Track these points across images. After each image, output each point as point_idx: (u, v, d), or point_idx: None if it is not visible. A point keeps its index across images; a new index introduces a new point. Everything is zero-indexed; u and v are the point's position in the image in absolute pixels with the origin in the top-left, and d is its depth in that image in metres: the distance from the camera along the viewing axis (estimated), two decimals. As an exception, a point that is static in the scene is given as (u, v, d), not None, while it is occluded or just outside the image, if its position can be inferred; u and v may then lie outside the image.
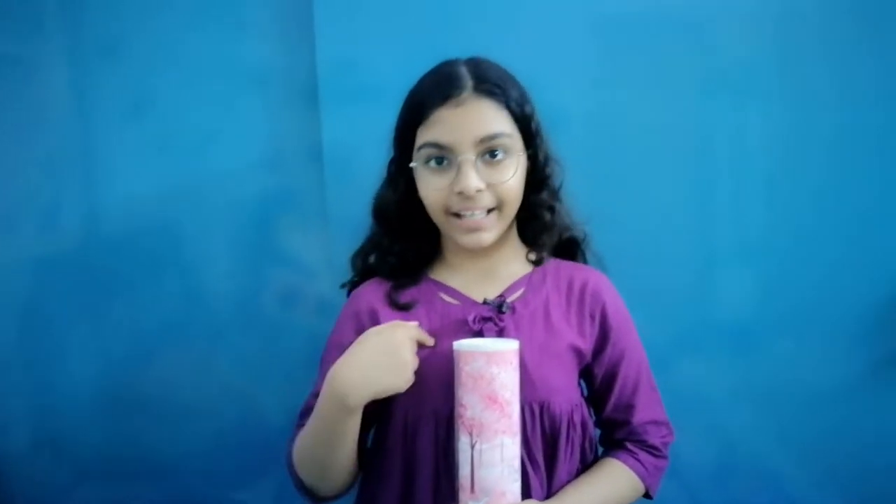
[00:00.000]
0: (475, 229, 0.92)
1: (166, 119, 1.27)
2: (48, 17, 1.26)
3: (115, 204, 1.28)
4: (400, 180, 0.98)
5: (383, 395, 0.86)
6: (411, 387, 0.88)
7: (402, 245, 0.99)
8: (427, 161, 0.92)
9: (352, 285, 1.05)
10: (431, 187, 0.92)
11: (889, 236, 1.20)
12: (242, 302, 1.29)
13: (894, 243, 1.20)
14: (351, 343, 0.88)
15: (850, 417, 1.22)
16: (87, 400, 1.30)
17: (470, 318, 0.93)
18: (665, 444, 1.00)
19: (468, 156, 0.89)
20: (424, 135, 0.91)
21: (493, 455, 0.84)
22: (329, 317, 1.15)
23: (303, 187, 1.26)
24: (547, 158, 0.97)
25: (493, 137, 0.90)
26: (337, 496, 0.94)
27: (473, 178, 0.89)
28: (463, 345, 0.86)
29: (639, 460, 0.98)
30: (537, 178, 0.97)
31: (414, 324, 0.90)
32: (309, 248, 1.26)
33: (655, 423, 0.99)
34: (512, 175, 0.91)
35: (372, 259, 1.02)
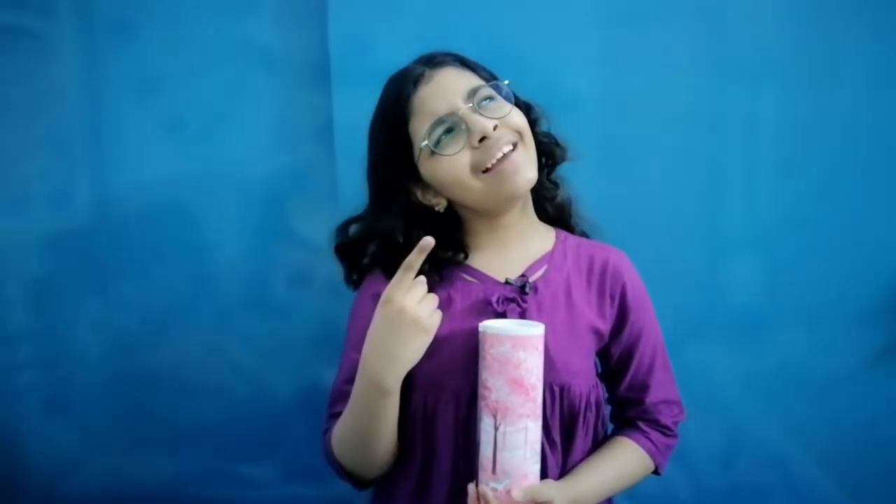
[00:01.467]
0: (514, 170, 0.91)
1: (177, 99, 1.27)
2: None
3: (126, 183, 1.28)
4: (391, 206, 0.97)
5: (416, 362, 0.87)
6: (431, 366, 0.89)
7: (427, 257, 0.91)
8: (437, 143, 0.91)
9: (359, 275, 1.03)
10: (452, 158, 0.91)
11: (898, 225, 1.19)
12: (252, 282, 1.29)
13: (904, 231, 1.19)
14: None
15: (857, 403, 1.24)
16: (98, 374, 1.31)
17: (493, 299, 0.93)
18: (676, 424, 1.02)
19: (466, 108, 0.90)
20: (419, 123, 0.92)
21: (516, 438, 0.84)
22: (339, 297, 1.16)
23: (313, 168, 1.26)
24: (539, 137, 0.98)
25: (476, 89, 0.91)
26: (379, 477, 0.96)
27: (484, 119, 0.90)
28: (489, 327, 0.86)
29: (650, 440, 0.99)
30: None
31: (413, 281, 0.88)
32: (319, 228, 1.25)
33: (668, 402, 1.01)
34: (510, 109, 0.92)
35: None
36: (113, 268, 1.29)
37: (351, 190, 1.19)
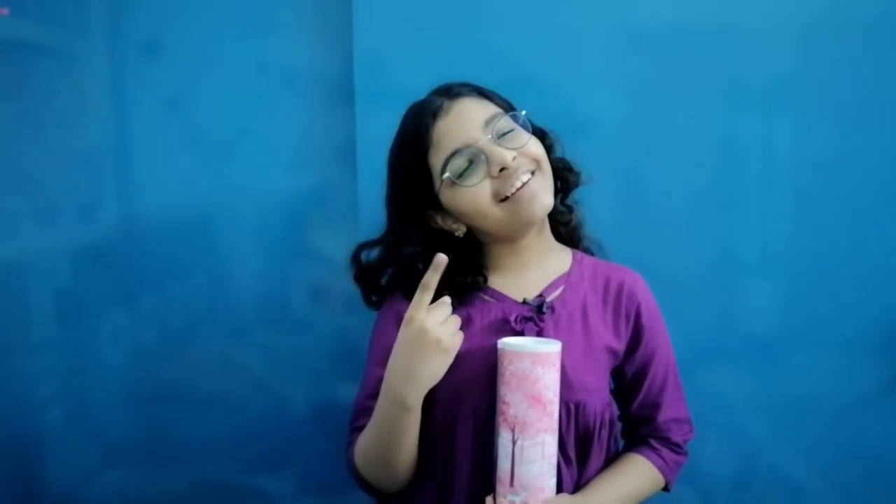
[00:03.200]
0: (531, 197, 0.93)
1: (201, 116, 1.29)
2: (93, 14, 1.29)
3: (151, 198, 1.31)
4: (410, 233, 0.99)
5: (438, 380, 0.89)
6: (451, 382, 0.91)
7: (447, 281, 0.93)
8: (456, 175, 0.93)
9: (378, 297, 1.06)
10: (473, 189, 0.93)
11: (914, 253, 1.20)
12: (271, 298, 1.31)
13: (920, 260, 1.20)
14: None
15: (870, 430, 1.24)
16: (118, 385, 1.33)
17: (512, 318, 0.95)
18: (686, 442, 1.04)
19: (485, 139, 0.92)
20: (438, 154, 0.94)
21: (534, 452, 0.86)
22: (356, 314, 1.17)
23: (334, 186, 1.28)
24: (555, 164, 1.00)
25: (493, 118, 0.93)
26: (401, 490, 0.97)
27: (503, 151, 0.92)
28: (508, 344, 0.89)
29: (661, 457, 1.01)
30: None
31: (437, 302, 0.90)
32: (338, 246, 1.26)
33: (678, 421, 1.03)
34: (528, 138, 0.94)
35: None
36: (136, 281, 1.32)
37: (371, 208, 1.20)
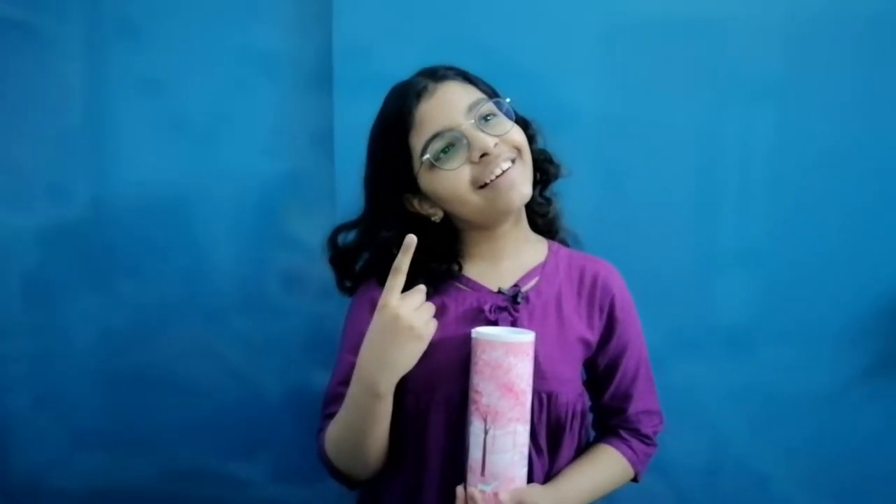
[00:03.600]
0: (509, 186, 0.93)
1: (178, 100, 1.28)
2: (70, -9, 1.26)
3: (124, 181, 1.30)
4: (387, 217, 0.99)
5: (410, 368, 0.90)
6: (424, 370, 0.91)
7: (421, 268, 0.94)
8: (436, 158, 0.93)
9: (352, 282, 1.06)
10: (452, 173, 0.93)
11: (890, 245, 1.22)
12: (246, 283, 1.31)
13: (894, 252, 1.22)
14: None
15: (842, 422, 1.25)
16: (88, 369, 1.32)
17: (486, 308, 0.96)
18: (655, 433, 1.05)
19: (468, 123, 0.92)
20: (419, 136, 0.94)
21: (505, 441, 0.87)
22: (331, 301, 1.17)
23: (311, 172, 1.27)
24: (536, 154, 1.00)
25: (477, 103, 0.93)
26: (371, 478, 0.97)
27: (485, 136, 0.92)
28: (481, 333, 0.89)
29: (631, 448, 1.03)
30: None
31: (412, 290, 0.91)
32: (315, 232, 1.25)
33: (649, 412, 1.04)
34: (511, 126, 0.95)
35: None
36: (108, 264, 1.31)
37: (348, 195, 1.20)
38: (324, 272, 1.25)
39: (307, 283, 1.29)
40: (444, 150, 0.93)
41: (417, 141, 0.94)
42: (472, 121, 0.92)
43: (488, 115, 0.94)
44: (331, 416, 0.96)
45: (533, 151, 0.99)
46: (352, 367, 0.91)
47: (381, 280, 0.92)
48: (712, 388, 1.27)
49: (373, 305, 0.91)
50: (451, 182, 0.93)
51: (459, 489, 0.89)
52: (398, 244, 0.91)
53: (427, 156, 0.93)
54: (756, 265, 1.25)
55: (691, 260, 1.25)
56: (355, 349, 0.91)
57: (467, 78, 0.97)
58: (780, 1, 1.19)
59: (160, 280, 1.30)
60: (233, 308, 1.30)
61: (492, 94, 0.97)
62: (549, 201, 1.05)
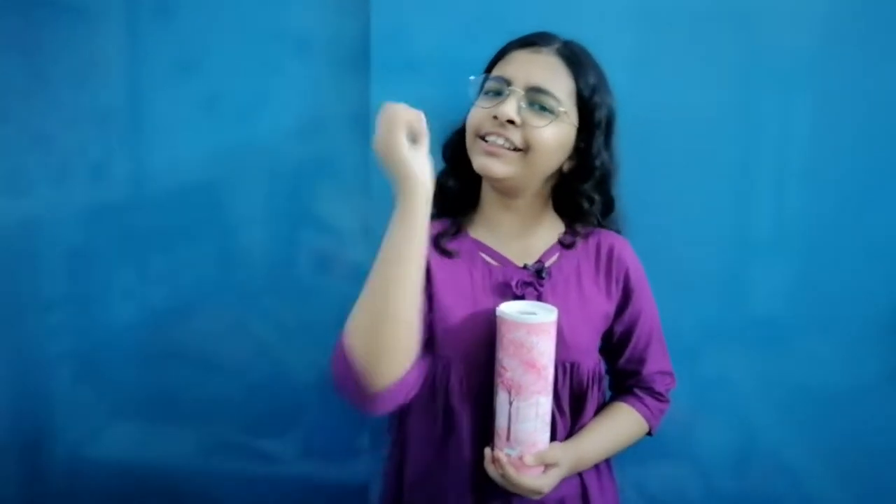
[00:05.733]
0: (491, 154, 0.98)
1: (214, 80, 1.30)
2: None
3: (162, 160, 1.32)
4: (451, 145, 1.06)
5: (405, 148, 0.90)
6: (456, 341, 0.97)
7: (457, 180, 1.05)
8: (486, 91, 1.00)
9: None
10: (478, 109, 1.00)
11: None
12: (278, 265, 1.33)
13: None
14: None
15: (873, 416, 1.24)
16: (127, 343, 1.36)
17: (513, 283, 1.01)
18: (668, 391, 1.11)
19: (518, 91, 0.97)
20: (497, 69, 1.01)
21: (528, 412, 0.93)
22: (360, 284, 1.15)
23: (345, 155, 1.28)
24: (599, 152, 1.02)
25: (542, 91, 0.97)
26: (392, 383, 0.88)
27: (511, 108, 0.96)
28: (506, 313, 0.93)
29: (645, 404, 1.09)
30: (585, 165, 1.03)
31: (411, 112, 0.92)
32: (347, 215, 1.28)
33: (662, 373, 1.10)
34: (547, 126, 0.97)
35: None
36: (146, 243, 1.34)
37: (382, 178, 1.19)
38: (355, 255, 1.26)
39: (338, 265, 1.31)
40: (488, 89, 0.99)
41: (495, 70, 1.01)
42: (523, 94, 0.96)
43: (543, 106, 0.97)
44: None
45: (589, 156, 1.01)
46: None
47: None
48: (744, 379, 1.26)
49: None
50: (472, 114, 1.00)
51: (487, 451, 0.95)
52: (441, 176, 1.01)
53: (475, 77, 1.00)
54: (791, 256, 1.24)
55: (726, 250, 1.24)
56: None
57: (571, 61, 0.99)
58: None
59: (195, 259, 1.33)
60: (265, 288, 1.33)
61: (584, 111, 0.99)
62: (592, 200, 1.04)
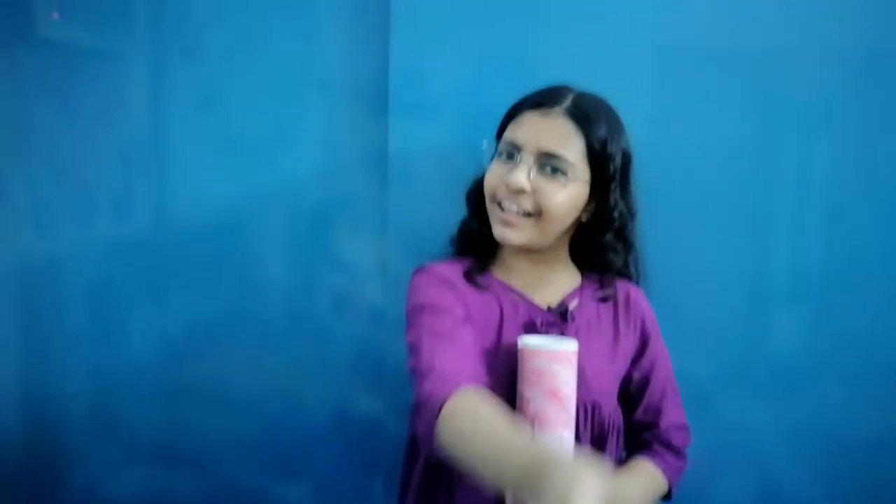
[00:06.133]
0: (506, 224, 1.00)
1: (235, 120, 1.32)
2: (136, 15, 1.32)
3: (184, 197, 1.33)
4: (473, 192, 1.08)
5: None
6: (486, 377, 0.95)
7: (479, 225, 1.07)
8: (500, 154, 1.02)
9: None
10: (492, 173, 1.02)
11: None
12: (296, 303, 1.33)
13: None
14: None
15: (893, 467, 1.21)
16: (144, 382, 1.35)
17: (538, 322, 1.02)
18: (685, 447, 1.10)
19: (528, 157, 0.98)
20: (508, 132, 1.02)
21: (552, 446, 0.90)
22: (378, 324, 1.15)
23: (364, 195, 1.29)
24: (617, 203, 1.03)
25: (552, 156, 0.98)
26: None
27: (521, 176, 0.98)
28: (528, 343, 0.94)
29: (665, 461, 1.07)
30: (603, 217, 1.03)
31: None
32: (365, 255, 1.28)
33: (679, 427, 1.09)
34: (558, 192, 0.98)
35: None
36: (166, 278, 1.35)
37: (400, 218, 1.20)
38: (372, 294, 1.26)
39: (355, 305, 1.31)
40: (507, 156, 1.00)
41: (507, 132, 1.02)
42: (533, 161, 0.98)
43: (555, 168, 0.98)
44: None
45: (607, 203, 1.01)
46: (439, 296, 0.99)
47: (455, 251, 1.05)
48: (763, 426, 1.24)
49: (448, 284, 1.00)
50: (489, 178, 1.03)
51: (509, 494, 0.90)
52: (466, 223, 1.07)
53: (490, 142, 1.03)
54: (811, 299, 1.23)
55: (743, 292, 1.23)
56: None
57: (579, 119, 0.98)
58: (836, 29, 1.19)
59: (214, 295, 1.33)
60: (282, 327, 1.33)
61: (598, 165, 0.99)
62: (615, 250, 1.05)
